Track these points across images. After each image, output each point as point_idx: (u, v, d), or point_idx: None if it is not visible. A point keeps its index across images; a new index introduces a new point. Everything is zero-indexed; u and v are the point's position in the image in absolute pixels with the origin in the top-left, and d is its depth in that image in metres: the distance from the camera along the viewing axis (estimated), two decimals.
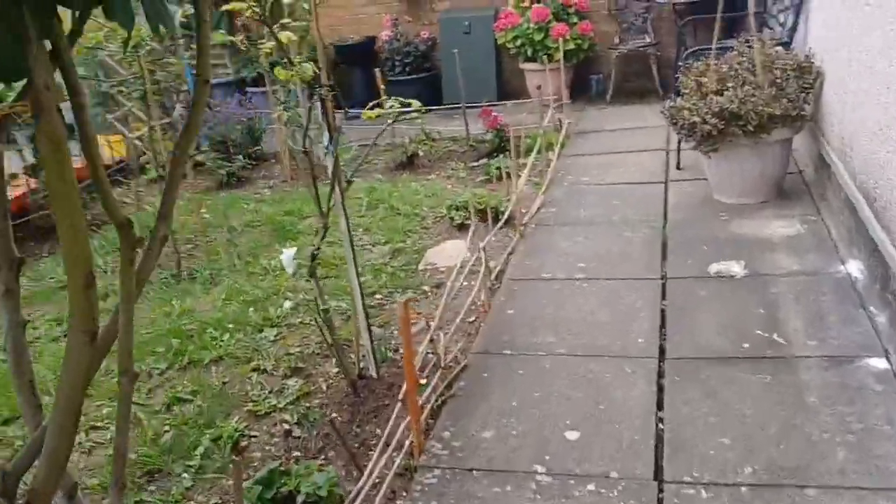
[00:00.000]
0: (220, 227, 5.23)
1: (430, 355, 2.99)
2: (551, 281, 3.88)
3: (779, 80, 4.26)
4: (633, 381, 2.93)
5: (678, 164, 5.32)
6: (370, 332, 3.09)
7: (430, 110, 7.72)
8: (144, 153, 6.64)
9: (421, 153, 6.57)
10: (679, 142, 5.07)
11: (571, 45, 7.39)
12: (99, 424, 3.07)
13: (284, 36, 2.99)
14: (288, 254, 2.92)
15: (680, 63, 5.33)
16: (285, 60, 3.03)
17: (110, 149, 6.62)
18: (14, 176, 5.27)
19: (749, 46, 4.57)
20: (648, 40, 7.55)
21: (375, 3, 8.30)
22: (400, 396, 2.66)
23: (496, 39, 7.75)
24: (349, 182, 3.07)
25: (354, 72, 8.29)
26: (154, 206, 5.06)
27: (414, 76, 8.02)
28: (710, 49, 5.89)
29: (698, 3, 7.01)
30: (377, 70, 6.70)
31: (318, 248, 3.08)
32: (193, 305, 4.04)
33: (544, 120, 6.30)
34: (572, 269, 3.98)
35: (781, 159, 4.43)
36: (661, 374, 2.97)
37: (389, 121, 3.58)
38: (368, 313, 3.10)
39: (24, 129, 5.24)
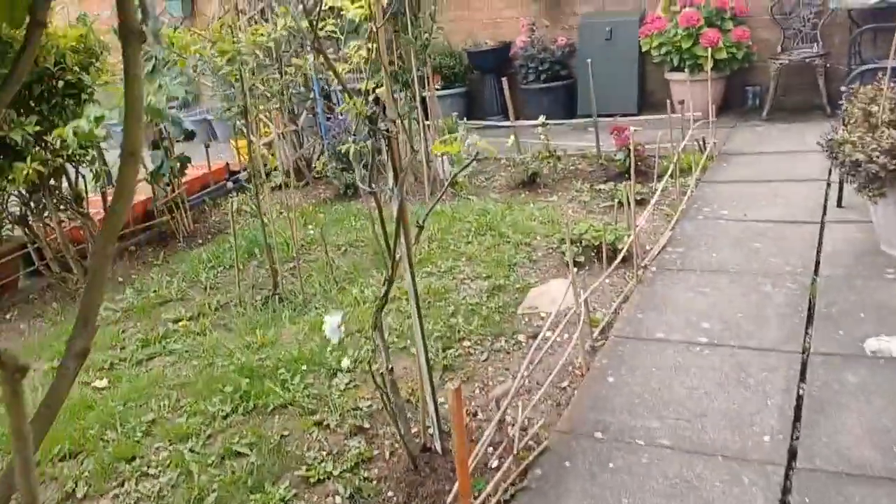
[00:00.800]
0: (332, 244, 5.04)
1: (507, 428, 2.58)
2: (665, 344, 3.32)
3: None
4: (748, 498, 2.36)
5: (839, 201, 4.54)
6: (436, 401, 2.71)
7: (562, 123, 7.25)
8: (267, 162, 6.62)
9: (546, 170, 6.11)
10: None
11: (724, 54, 6.63)
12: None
13: (355, 53, 2.66)
14: (332, 321, 2.58)
15: (846, 84, 4.53)
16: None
17: (238, 154, 6.66)
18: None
19: None
20: (816, 50, 6.63)
21: (514, 7, 7.88)
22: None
23: (640, 46, 7.11)
24: (420, 228, 2.69)
25: (486, 79, 7.92)
26: (276, 214, 4.97)
27: (549, 84, 7.54)
28: (886, 67, 5.04)
29: (882, 10, 6.05)
30: (504, 79, 6.29)
31: (385, 300, 2.73)
32: (277, 336, 3.84)
33: (685, 138, 5.66)
34: (693, 330, 3.40)
35: None
36: (785, 490, 2.39)
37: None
38: (434, 381, 2.72)
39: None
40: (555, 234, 4.83)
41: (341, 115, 6.76)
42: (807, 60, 6.52)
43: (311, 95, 6.69)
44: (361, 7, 2.46)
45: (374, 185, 2.65)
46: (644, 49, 7.06)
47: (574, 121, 7.46)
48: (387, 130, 2.50)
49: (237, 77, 4.03)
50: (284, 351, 3.60)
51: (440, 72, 7.93)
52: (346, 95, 2.46)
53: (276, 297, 4.29)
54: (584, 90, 7.51)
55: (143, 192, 5.62)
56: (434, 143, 5.98)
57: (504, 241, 4.79)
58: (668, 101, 7.17)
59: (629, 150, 5.69)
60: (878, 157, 3.44)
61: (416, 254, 4.71)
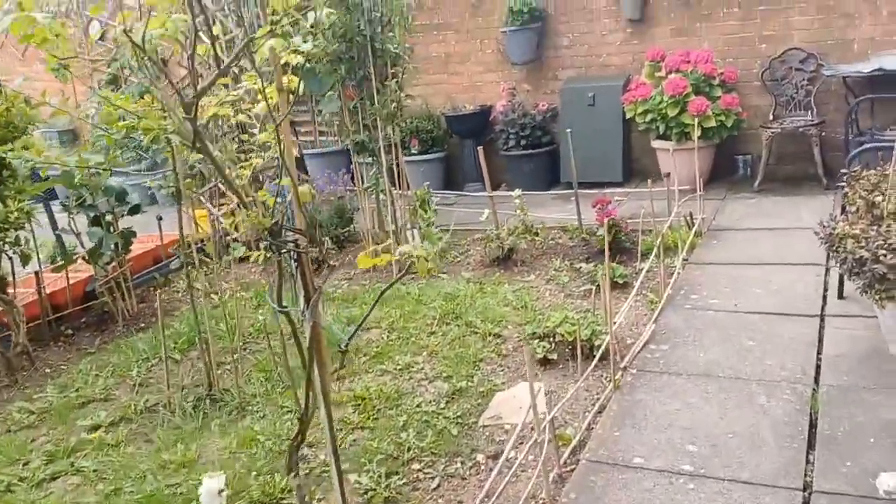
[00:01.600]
0: (275, 333, 4.57)
1: None
2: (644, 473, 2.84)
3: None
4: None
5: (840, 291, 4.10)
6: None
7: (539, 194, 6.87)
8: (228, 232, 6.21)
9: (524, 245, 5.69)
10: None
11: (712, 122, 6.28)
12: None
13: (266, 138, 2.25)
14: (209, 486, 2.10)
15: (846, 163, 4.14)
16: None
17: (197, 225, 6.24)
18: (70, 260, 4.91)
19: None
20: (811, 118, 6.29)
21: (494, 70, 7.58)
22: None
23: (624, 113, 6.77)
24: (343, 352, 2.25)
25: (466, 144, 7.57)
26: (230, 293, 4.52)
27: (530, 151, 7.19)
28: (890, 142, 4.66)
29: (878, 77, 5.71)
30: (480, 147, 5.92)
31: (300, 440, 2.27)
32: (200, 451, 3.35)
33: (672, 213, 5.26)
34: (677, 454, 2.93)
35: None
36: None
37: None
38: None
39: (82, 210, 4.88)
40: (528, 322, 4.38)
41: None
42: (800, 129, 6.17)
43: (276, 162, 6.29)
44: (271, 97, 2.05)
45: (284, 304, 2.20)
46: (628, 116, 6.72)
47: (552, 192, 7.08)
48: (294, 243, 2.07)
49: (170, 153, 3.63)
50: (204, 474, 3.10)
51: (418, 136, 7.60)
52: (239, 201, 2.03)
53: (210, 398, 3.81)
54: (566, 157, 7.15)
55: (84, 270, 5.18)
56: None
57: (471, 331, 4.33)
58: (658, 169, 6.84)
59: (613, 224, 5.30)
60: (884, 255, 3.02)
61: (374, 347, 4.26)
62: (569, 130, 5.89)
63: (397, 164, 5.57)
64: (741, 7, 6.53)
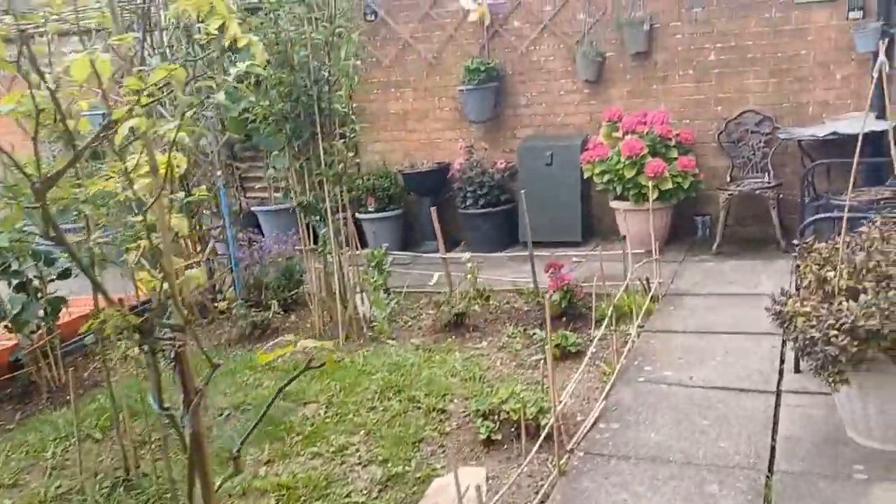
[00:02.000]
0: (208, 406, 4.31)
1: None
2: None
3: None
4: None
5: (797, 365, 3.95)
6: None
7: (489, 256, 6.72)
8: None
9: (478, 308, 5.49)
10: None
11: (669, 184, 6.20)
12: None
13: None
14: None
15: (798, 233, 4.04)
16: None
17: (137, 288, 5.98)
18: None
19: None
20: (768, 180, 6.24)
21: (452, 128, 7.49)
22: None
23: (582, 171, 6.69)
24: (235, 458, 2.01)
25: (424, 202, 7.42)
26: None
27: (488, 209, 7.05)
28: (845, 208, 4.59)
29: (833, 141, 5.69)
30: (433, 207, 5.77)
31: None
32: None
33: (628, 276, 5.11)
34: None
35: None
36: None
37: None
38: None
39: (4, 277, 4.62)
40: (476, 395, 4.16)
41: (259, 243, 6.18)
42: (757, 191, 6.11)
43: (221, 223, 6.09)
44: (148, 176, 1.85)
45: (166, 406, 1.97)
46: (586, 175, 6.63)
47: (511, 252, 6.94)
48: (171, 341, 1.85)
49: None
50: None
51: (374, 193, 7.44)
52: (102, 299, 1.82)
53: (127, 484, 3.52)
54: (524, 217, 7.03)
55: (12, 338, 4.88)
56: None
57: (414, 406, 4.10)
58: (615, 230, 6.73)
59: (567, 289, 5.14)
60: (836, 336, 2.87)
61: (309, 424, 4.00)
62: (523, 191, 5.77)
63: (345, 225, 5.38)
64: (696, 69, 6.53)
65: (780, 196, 6.19)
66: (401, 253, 6.82)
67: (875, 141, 5.36)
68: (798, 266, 3.44)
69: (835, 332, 2.89)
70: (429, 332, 5.35)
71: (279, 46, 4.78)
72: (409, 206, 7.62)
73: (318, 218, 5.20)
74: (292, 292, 6.01)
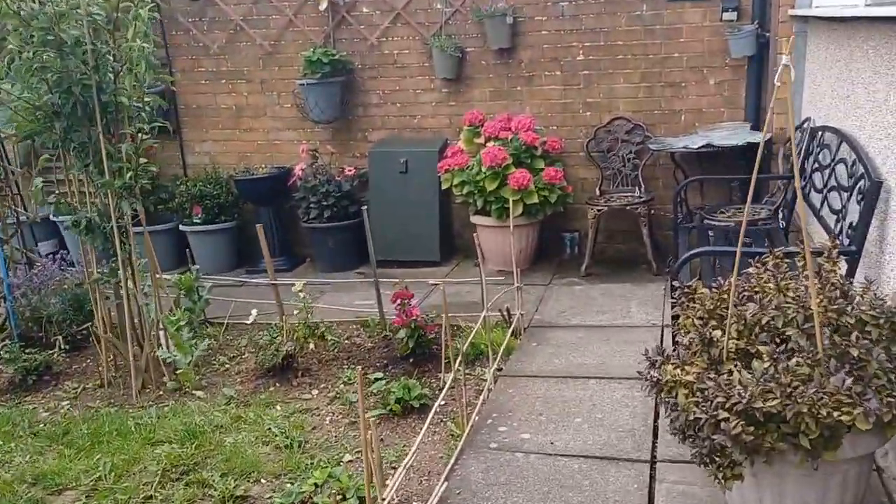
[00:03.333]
0: None
1: None
2: None
3: (856, 350, 2.30)
4: None
5: None
6: None
7: (329, 281, 5.86)
8: None
9: (312, 345, 4.59)
10: None
11: (535, 198, 5.54)
12: None
13: None
14: None
15: (672, 271, 3.41)
16: None
17: None
18: None
19: (795, 271, 2.67)
20: (639, 194, 5.69)
21: (294, 128, 6.53)
22: None
23: (440, 181, 5.92)
24: None
25: (262, 213, 6.43)
26: None
27: (335, 223, 6.15)
28: (721, 225, 4.06)
29: (708, 154, 5.20)
30: (259, 226, 4.81)
31: None
32: None
33: (486, 307, 4.36)
34: None
35: (857, 485, 2.42)
36: None
37: None
38: None
39: None
40: (289, 471, 3.29)
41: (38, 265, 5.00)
42: (628, 207, 5.55)
43: None
44: None
45: None
46: (444, 186, 5.87)
47: (362, 270, 6.07)
48: None
49: None
50: None
51: (201, 202, 6.38)
52: None
53: None
54: (377, 230, 6.19)
55: None
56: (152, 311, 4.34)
57: (206, 492, 3.17)
58: (476, 249, 6.00)
59: (415, 325, 4.33)
60: (726, 420, 2.19)
61: None
62: (364, 207, 4.91)
63: (125, 244, 4.34)
64: (564, 70, 5.90)
65: (652, 212, 5.67)
66: (222, 277, 5.80)
67: (750, 154, 4.90)
68: (676, 318, 2.77)
69: (725, 413, 2.22)
70: (249, 377, 4.40)
71: (40, 20, 3.68)
72: (245, 216, 6.61)
73: (102, 241, 4.13)
74: (82, 327, 4.88)
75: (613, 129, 5.85)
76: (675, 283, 2.88)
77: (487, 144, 5.76)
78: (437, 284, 5.65)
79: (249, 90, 6.56)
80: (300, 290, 4.45)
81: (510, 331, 4.50)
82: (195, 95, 6.66)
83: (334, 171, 6.31)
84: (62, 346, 4.75)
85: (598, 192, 5.85)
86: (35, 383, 4.47)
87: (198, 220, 6.39)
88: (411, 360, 4.34)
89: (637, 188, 5.75)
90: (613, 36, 5.76)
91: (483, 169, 5.58)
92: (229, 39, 6.47)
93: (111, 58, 3.92)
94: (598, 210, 5.56)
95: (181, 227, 6.46)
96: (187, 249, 6.50)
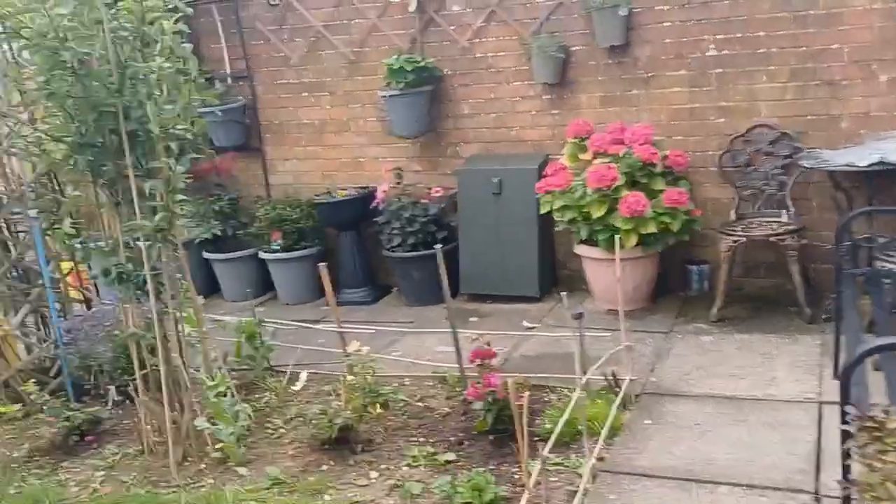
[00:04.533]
0: None
1: None
2: None
3: None
4: None
5: None
6: None
7: (430, 308, 5.07)
8: None
9: (381, 409, 3.87)
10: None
11: (652, 227, 4.57)
12: None
13: None
14: None
15: (850, 363, 2.39)
16: None
17: None
18: None
19: None
20: (786, 220, 4.60)
21: (379, 143, 5.85)
22: None
23: (540, 203, 5.06)
24: None
25: (344, 238, 5.81)
26: None
27: (420, 252, 5.42)
28: None
29: (880, 172, 4.06)
30: (322, 265, 4.16)
31: None
32: None
33: (588, 372, 3.49)
34: None
35: None
36: None
37: None
38: None
39: None
40: None
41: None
42: (772, 238, 4.46)
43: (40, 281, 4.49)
44: None
45: None
46: (543, 210, 5.00)
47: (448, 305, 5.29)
48: None
49: None
50: None
51: (281, 227, 5.83)
52: None
53: None
54: (467, 261, 5.42)
55: None
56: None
57: None
58: (585, 280, 5.12)
59: (493, 396, 3.52)
60: None
61: None
62: (438, 247, 4.13)
63: (183, 291, 3.77)
64: (691, 69, 4.88)
65: (804, 242, 4.55)
66: (287, 323, 5.15)
67: None
68: (847, 452, 1.81)
69: None
70: (303, 449, 3.72)
71: (50, 38, 3.15)
72: (329, 241, 6.01)
73: (134, 291, 3.58)
74: (133, 377, 4.39)
75: (754, 140, 4.77)
76: (847, 408, 1.89)
77: (595, 161, 4.84)
78: (533, 327, 4.82)
79: (332, 103, 5.94)
80: (354, 352, 3.73)
81: (618, 400, 3.59)
82: (277, 110, 6.13)
83: (421, 192, 5.59)
84: (115, 399, 4.31)
85: (733, 217, 4.79)
86: (77, 444, 4.01)
87: (276, 247, 5.84)
88: (491, 438, 3.54)
89: (784, 212, 4.65)
90: (753, 25, 4.68)
91: (588, 191, 4.67)
92: (311, 48, 5.88)
93: (135, 80, 3.34)
94: (735, 241, 4.51)
95: (260, 255, 5.94)
96: (265, 279, 6.07)
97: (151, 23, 3.30)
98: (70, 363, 4.39)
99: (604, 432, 3.35)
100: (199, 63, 6.11)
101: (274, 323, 4.81)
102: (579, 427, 3.34)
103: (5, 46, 3.62)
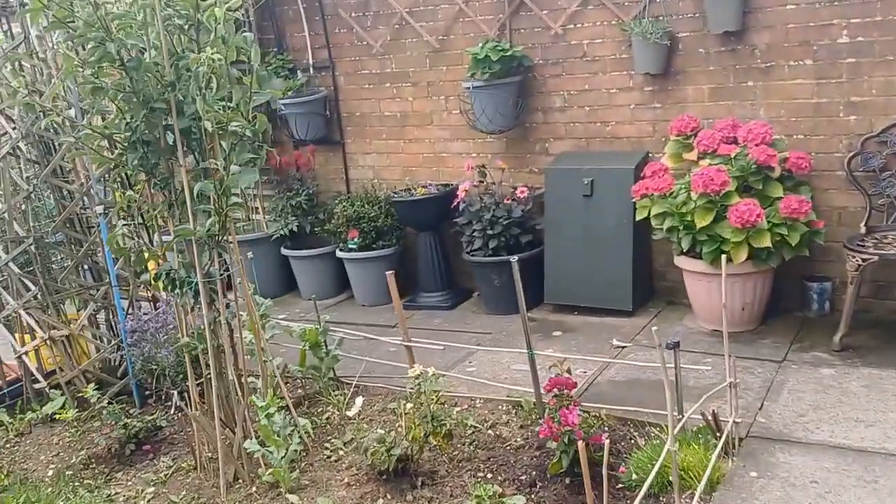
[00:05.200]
0: None
1: None
2: None
3: None
4: None
5: None
6: None
7: (512, 317, 4.61)
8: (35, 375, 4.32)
9: (443, 440, 3.50)
10: None
11: (767, 241, 3.99)
12: None
13: None
14: None
15: None
16: None
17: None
18: None
19: None
20: None
21: (463, 138, 5.47)
22: None
23: (636, 208, 4.54)
24: None
25: (423, 238, 5.47)
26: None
27: (502, 257, 5.01)
28: None
29: None
30: (390, 273, 3.83)
31: None
32: None
33: (686, 414, 3.03)
34: None
35: None
36: None
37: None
38: None
39: None
40: None
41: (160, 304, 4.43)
42: None
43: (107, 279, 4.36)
44: None
45: None
46: (640, 216, 4.49)
47: (534, 315, 4.83)
48: None
49: None
50: None
51: (358, 225, 5.54)
52: None
53: None
54: (555, 266, 4.98)
55: None
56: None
57: None
58: (685, 293, 4.59)
59: (568, 441, 3.09)
60: None
61: None
62: (514, 259, 3.69)
63: (235, 294, 3.52)
64: (816, 58, 4.24)
65: None
66: (353, 333, 4.83)
67: None
68: None
69: None
70: (360, 478, 3.41)
71: (96, 29, 2.93)
72: (408, 240, 5.69)
73: (190, 294, 3.35)
74: (199, 381, 4.21)
75: (891, 141, 4.09)
76: None
77: (701, 163, 4.29)
78: (624, 346, 4.34)
79: (415, 94, 5.59)
80: (418, 377, 3.37)
81: (719, 446, 3.08)
82: (359, 102, 5.84)
83: (506, 191, 5.17)
84: (177, 405, 4.14)
85: (863, 230, 4.13)
86: (134, 453, 3.85)
87: (353, 245, 5.57)
88: (567, 481, 3.11)
89: None
90: (895, 7, 4.01)
91: (693, 196, 4.13)
92: (394, 36, 5.55)
93: (185, 72, 3.08)
94: (864, 259, 3.87)
95: (338, 253, 5.68)
96: (342, 278, 5.83)
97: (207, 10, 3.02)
98: (134, 365, 4.25)
99: (700, 486, 2.85)
100: (283, 52, 6.01)
101: (342, 330, 4.52)
102: (669, 478, 2.87)
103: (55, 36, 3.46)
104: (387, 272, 3.88)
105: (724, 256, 3.28)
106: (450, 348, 4.51)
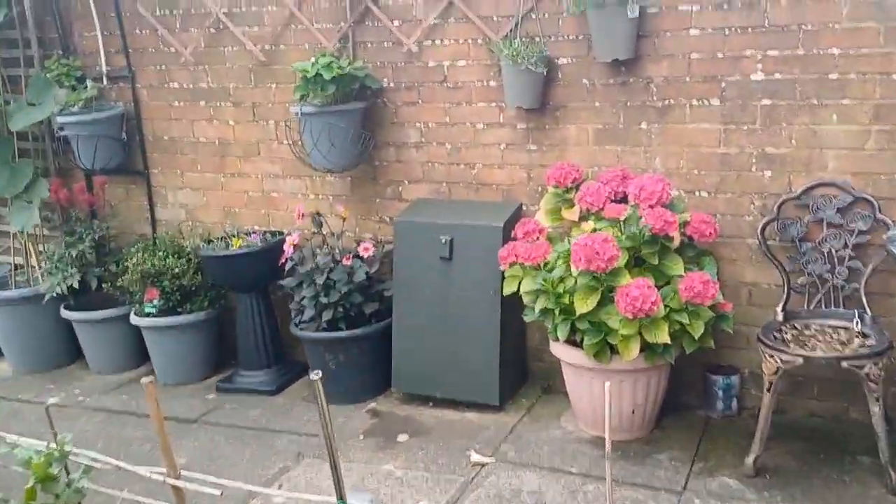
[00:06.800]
0: None
1: None
2: None
3: None
4: None
5: None
6: None
7: (351, 408, 3.51)
8: None
9: None
10: None
11: (664, 334, 3.08)
12: None
13: None
14: None
15: None
16: None
17: None
18: None
19: None
20: (860, 329, 3.11)
21: (298, 176, 4.35)
22: None
23: (504, 277, 3.55)
24: None
25: (244, 301, 4.29)
26: None
27: (339, 332, 3.92)
28: None
29: None
30: (315, 375, 2.64)
31: None
32: None
33: None
34: None
35: None
36: None
37: None
38: None
39: None
40: None
41: None
42: (845, 363, 2.96)
43: None
44: None
45: None
46: (508, 290, 3.50)
47: (374, 406, 3.71)
48: None
49: None
50: None
51: (158, 284, 4.31)
52: None
53: None
54: (405, 346, 3.93)
55: None
56: None
57: None
58: (563, 383, 3.63)
59: None
60: None
61: None
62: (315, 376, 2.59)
63: None
64: (725, 97, 3.40)
65: (891, 364, 3.06)
66: (101, 459, 3.58)
67: None
68: None
69: None
70: None
71: None
72: (228, 301, 4.51)
73: None
74: None
75: (815, 204, 3.28)
76: None
77: (584, 225, 3.35)
78: (485, 463, 3.32)
79: (237, 117, 4.43)
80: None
81: None
82: (167, 123, 4.61)
83: (348, 245, 4.09)
84: None
85: (780, 315, 3.29)
86: None
87: (151, 309, 4.33)
88: None
89: (855, 315, 3.16)
90: (823, 39, 3.20)
91: (573, 272, 3.17)
92: (209, 42, 4.36)
93: None
94: (785, 361, 3.01)
95: (132, 319, 4.42)
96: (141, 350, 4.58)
97: None
98: None
99: None
100: (70, 56, 4.71)
101: (129, 423, 3.32)
102: None
103: None
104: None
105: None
106: (255, 461, 3.38)
